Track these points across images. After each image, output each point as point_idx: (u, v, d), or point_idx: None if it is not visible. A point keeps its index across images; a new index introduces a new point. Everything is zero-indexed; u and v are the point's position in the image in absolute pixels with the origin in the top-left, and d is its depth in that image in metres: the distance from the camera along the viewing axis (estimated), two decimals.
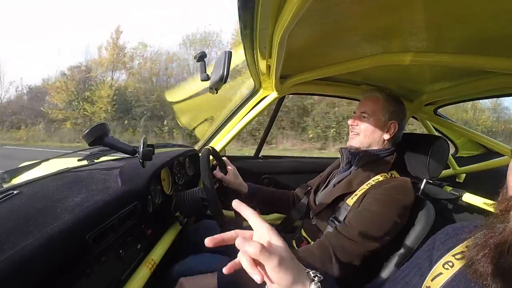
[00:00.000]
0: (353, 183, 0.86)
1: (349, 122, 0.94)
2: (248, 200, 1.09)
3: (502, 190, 0.39)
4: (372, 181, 0.83)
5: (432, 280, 0.46)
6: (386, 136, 0.89)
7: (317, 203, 0.95)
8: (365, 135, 0.90)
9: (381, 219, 0.73)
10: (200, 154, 0.91)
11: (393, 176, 0.84)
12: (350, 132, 0.95)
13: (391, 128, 0.89)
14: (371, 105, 0.91)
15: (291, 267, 0.39)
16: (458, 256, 0.45)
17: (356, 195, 0.82)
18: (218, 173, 1.03)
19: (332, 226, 0.82)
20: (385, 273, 0.79)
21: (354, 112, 0.96)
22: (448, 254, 0.47)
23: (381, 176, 0.84)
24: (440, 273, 0.45)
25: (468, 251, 0.41)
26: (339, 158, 1.02)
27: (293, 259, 0.41)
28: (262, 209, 1.31)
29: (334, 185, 0.92)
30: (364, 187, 0.83)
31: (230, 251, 0.97)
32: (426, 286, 0.46)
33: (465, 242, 0.45)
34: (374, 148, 0.91)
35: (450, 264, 0.45)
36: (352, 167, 0.91)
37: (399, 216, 0.74)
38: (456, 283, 0.42)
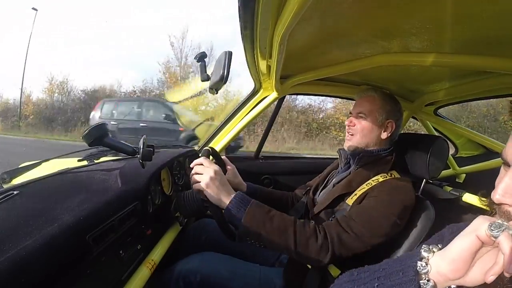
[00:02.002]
0: (353, 183, 0.85)
1: (346, 123, 0.93)
2: None
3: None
4: (372, 181, 0.83)
5: None
6: (384, 136, 0.89)
7: (316, 203, 0.95)
8: (362, 135, 0.89)
9: (382, 218, 0.73)
10: (200, 155, 0.91)
11: (393, 176, 0.84)
12: (346, 133, 0.94)
13: (389, 127, 0.89)
14: (368, 105, 0.90)
15: None
16: None
17: (355, 194, 0.82)
18: None
19: None
20: None
21: (350, 113, 0.95)
22: None
23: (381, 176, 0.83)
24: None
25: None
26: (337, 158, 1.02)
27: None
28: None
29: (334, 185, 0.92)
30: (364, 187, 0.82)
31: (230, 250, 0.97)
32: None
33: None
34: (373, 148, 0.90)
35: None
36: (352, 167, 0.91)
37: (399, 217, 0.74)
38: None
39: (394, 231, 0.74)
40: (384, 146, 0.91)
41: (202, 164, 0.74)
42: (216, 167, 0.73)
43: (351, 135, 0.91)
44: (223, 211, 0.71)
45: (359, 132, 0.89)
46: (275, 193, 1.13)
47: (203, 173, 0.71)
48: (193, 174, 0.73)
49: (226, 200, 0.70)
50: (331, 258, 0.69)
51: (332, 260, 0.69)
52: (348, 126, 0.92)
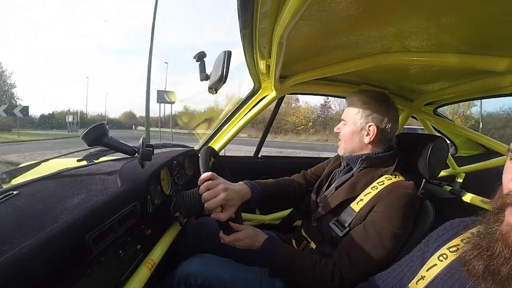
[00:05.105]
0: (357, 186, 0.85)
1: (335, 129, 0.97)
2: (254, 205, 1.07)
3: (499, 189, 0.40)
4: (377, 184, 0.82)
5: (427, 270, 0.48)
6: (367, 140, 0.88)
7: (319, 205, 0.95)
8: (345, 140, 0.92)
9: (390, 237, 0.74)
10: (199, 154, 0.91)
11: (397, 178, 0.84)
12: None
13: (370, 131, 0.87)
14: (348, 111, 0.92)
15: None
16: (452, 249, 0.47)
17: (361, 200, 0.81)
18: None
19: (334, 230, 0.82)
20: (383, 274, 0.79)
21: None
22: (444, 247, 0.49)
23: (386, 178, 0.83)
24: (435, 264, 0.47)
25: (462, 249, 0.42)
26: (337, 154, 1.02)
27: None
28: (268, 209, 1.26)
29: (336, 188, 0.91)
30: (369, 191, 0.81)
31: (230, 248, 0.98)
32: (421, 276, 0.48)
33: (460, 236, 0.46)
34: (360, 152, 0.90)
35: (445, 256, 0.47)
36: (354, 170, 0.90)
37: (405, 227, 0.76)
38: (450, 275, 0.44)
39: (402, 242, 0.77)
40: (381, 148, 0.89)
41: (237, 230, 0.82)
42: (248, 232, 0.83)
43: (339, 140, 0.95)
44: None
45: (343, 138, 0.93)
46: (280, 190, 1.04)
47: (243, 239, 0.81)
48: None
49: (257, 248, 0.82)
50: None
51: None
52: (336, 132, 0.96)
